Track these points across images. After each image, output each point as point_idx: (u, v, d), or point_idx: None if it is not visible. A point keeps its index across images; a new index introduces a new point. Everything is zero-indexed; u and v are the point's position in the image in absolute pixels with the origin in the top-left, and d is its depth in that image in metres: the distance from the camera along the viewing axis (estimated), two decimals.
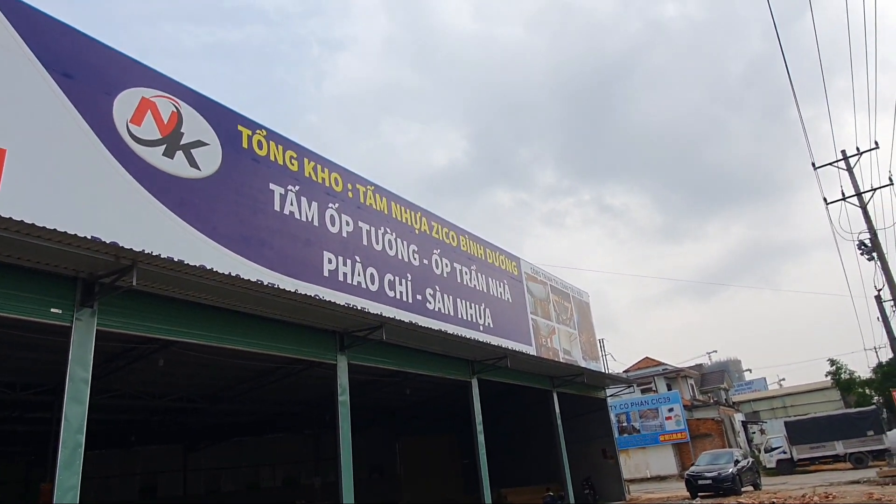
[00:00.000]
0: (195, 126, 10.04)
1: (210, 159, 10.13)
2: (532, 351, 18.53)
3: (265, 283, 9.62)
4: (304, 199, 11.84)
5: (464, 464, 30.22)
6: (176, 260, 7.99)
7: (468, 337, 14.47)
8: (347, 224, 12.80)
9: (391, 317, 11.72)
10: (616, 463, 22.92)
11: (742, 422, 41.41)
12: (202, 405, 19.53)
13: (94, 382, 15.06)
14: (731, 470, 19.34)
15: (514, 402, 25.50)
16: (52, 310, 7.59)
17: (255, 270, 10.37)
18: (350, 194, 13.18)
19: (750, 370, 68.31)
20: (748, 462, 21.39)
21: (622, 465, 35.53)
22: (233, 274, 9.41)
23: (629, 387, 23.53)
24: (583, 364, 21.87)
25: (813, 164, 20.66)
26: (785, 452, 29.18)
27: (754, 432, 40.40)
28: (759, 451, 31.55)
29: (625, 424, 36.11)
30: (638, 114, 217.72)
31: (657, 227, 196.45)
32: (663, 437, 34.32)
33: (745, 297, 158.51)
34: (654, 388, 41.77)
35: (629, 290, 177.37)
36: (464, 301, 15.98)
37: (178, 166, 9.55)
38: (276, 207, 11.17)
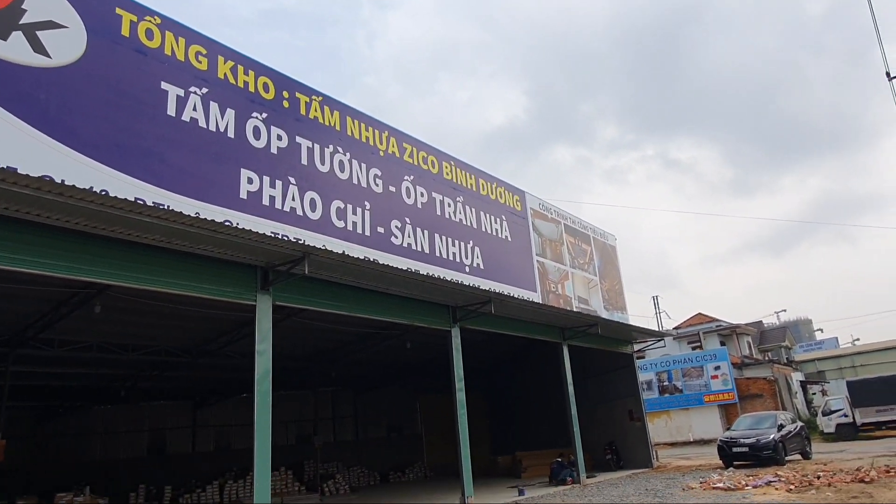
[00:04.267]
0: (45, 3, 7.93)
1: (67, 45, 8.03)
2: (536, 297, 16.10)
3: (131, 200, 7.53)
4: (214, 105, 9.67)
5: (489, 424, 28.46)
6: None
7: (442, 277, 12.18)
8: (279, 139, 10.58)
9: (328, 248, 9.54)
10: (643, 426, 20.41)
11: (801, 382, 37.76)
12: (185, 358, 18.16)
13: (43, 332, 13.77)
14: (772, 436, 16.48)
15: (532, 358, 23.29)
16: None
17: (134, 187, 8.35)
18: (286, 104, 10.92)
19: (821, 330, 64.23)
20: (796, 427, 18.40)
21: (663, 427, 33.09)
22: (99, 190, 7.43)
23: (660, 340, 20.82)
24: (604, 315, 19.29)
25: (888, 74, 17.03)
26: (846, 416, 25.79)
27: (815, 393, 36.71)
28: (817, 414, 28.25)
29: (666, 383, 33.25)
30: (707, 62, 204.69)
31: (727, 181, 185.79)
32: (708, 397, 31.29)
33: (821, 253, 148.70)
34: (702, 346, 38.54)
35: (695, 247, 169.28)
36: (444, 237, 13.64)
37: (12, 50, 7.49)
38: (171, 112, 9.04)
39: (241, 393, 26.64)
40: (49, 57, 7.81)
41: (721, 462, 17.23)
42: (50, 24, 7.90)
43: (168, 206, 8.17)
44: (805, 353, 52.15)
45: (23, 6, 7.70)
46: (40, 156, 7.52)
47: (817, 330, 64.18)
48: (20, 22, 7.63)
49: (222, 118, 9.71)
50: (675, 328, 46.70)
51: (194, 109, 9.34)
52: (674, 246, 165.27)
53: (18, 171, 6.77)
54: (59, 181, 7.18)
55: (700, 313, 49.56)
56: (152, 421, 26.08)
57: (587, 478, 16.83)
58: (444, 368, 21.06)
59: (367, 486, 24.12)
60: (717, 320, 46.20)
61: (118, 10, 8.75)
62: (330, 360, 21.79)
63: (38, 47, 7.74)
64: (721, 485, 13.27)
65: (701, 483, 13.99)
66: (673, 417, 32.57)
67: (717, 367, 31.47)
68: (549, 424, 22.15)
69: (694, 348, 39.91)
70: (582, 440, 18.37)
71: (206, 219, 7.86)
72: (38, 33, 7.77)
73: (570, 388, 16.81)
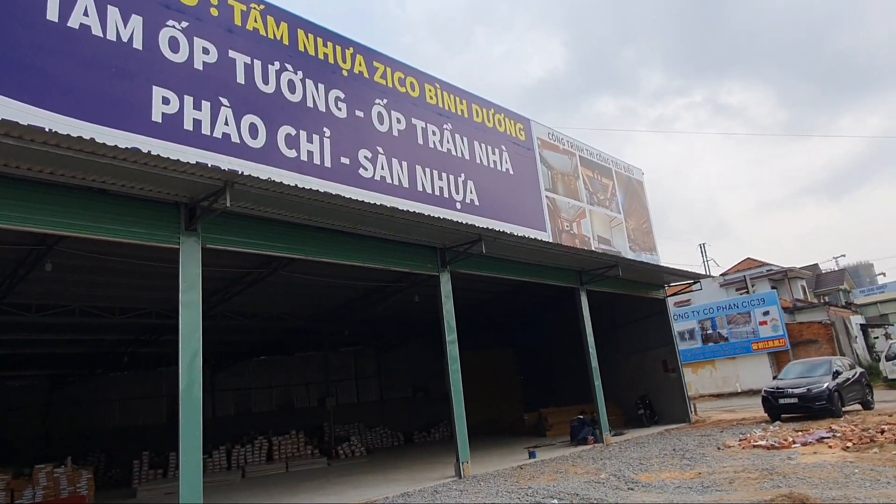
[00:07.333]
0: None
1: None
2: (546, 237, 14.20)
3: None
4: (113, 10, 7.99)
5: (522, 380, 26.94)
6: None
7: (425, 213, 10.39)
8: (206, 52, 8.86)
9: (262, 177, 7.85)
10: (679, 377, 18.46)
11: (861, 325, 34.79)
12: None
13: (7, 297, 12.77)
14: (826, 384, 14.34)
15: (560, 309, 21.52)
16: None
17: (6, 108, 6.79)
18: (214, 11, 9.16)
19: (884, 274, 60.41)
20: (855, 374, 16.11)
21: (708, 378, 30.93)
22: None
23: (695, 282, 18.66)
24: (630, 256, 17.23)
25: None
26: None
27: (877, 337, 33.82)
28: (880, 360, 25.64)
29: (710, 331, 30.91)
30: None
31: (781, 124, 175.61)
32: (756, 345, 28.88)
33: (883, 194, 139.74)
34: (750, 292, 35.80)
35: (747, 194, 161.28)
36: (428, 170, 11.80)
37: None
38: (52, 16, 7.40)
39: (258, 356, 25.85)
40: None
41: (767, 415, 15.22)
42: None
43: (52, 130, 6.62)
44: (866, 297, 48.63)
45: None
46: None
47: (879, 274, 59.90)
48: None
49: (125, 26, 8.03)
50: (722, 274, 43.86)
51: (85, 14, 7.68)
52: (725, 194, 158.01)
53: None
54: None
55: (749, 258, 46.37)
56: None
57: (613, 436, 15.13)
58: (467, 323, 19.58)
59: (388, 448, 23.04)
60: (768, 264, 43.10)
61: None
62: (340, 318, 20.56)
63: None
64: (763, 442, 11.38)
65: (740, 440, 12.13)
66: (718, 368, 30.35)
67: (766, 313, 28.94)
68: (577, 379, 20.51)
69: (742, 295, 37.25)
70: (613, 395, 16.54)
71: (69, 136, 6.26)
72: None
73: (590, 338, 14.98)
